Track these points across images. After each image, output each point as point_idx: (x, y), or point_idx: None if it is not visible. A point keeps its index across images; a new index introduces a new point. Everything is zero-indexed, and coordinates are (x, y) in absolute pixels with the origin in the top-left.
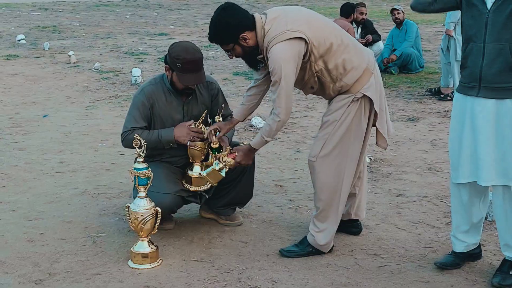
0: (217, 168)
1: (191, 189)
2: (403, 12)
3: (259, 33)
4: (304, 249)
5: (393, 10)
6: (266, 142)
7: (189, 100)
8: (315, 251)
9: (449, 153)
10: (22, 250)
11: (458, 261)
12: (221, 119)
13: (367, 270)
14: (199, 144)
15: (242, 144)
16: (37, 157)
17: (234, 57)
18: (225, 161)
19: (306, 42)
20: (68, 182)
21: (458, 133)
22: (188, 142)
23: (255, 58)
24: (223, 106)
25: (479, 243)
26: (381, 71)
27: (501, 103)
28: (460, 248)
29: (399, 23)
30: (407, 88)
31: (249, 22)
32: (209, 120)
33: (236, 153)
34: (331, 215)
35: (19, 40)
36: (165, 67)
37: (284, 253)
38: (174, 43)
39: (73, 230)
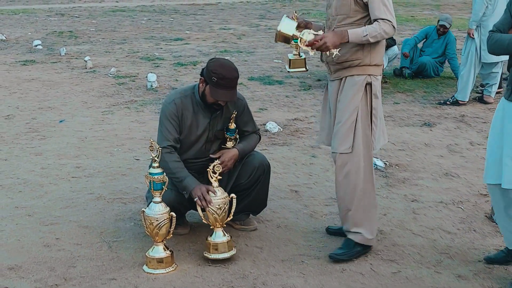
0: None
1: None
2: (450, 26)
3: None
4: (352, 250)
5: (442, 26)
6: (364, 39)
7: (216, 115)
8: (362, 250)
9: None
10: (38, 255)
11: (509, 258)
12: (234, 125)
13: (383, 276)
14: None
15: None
16: (53, 162)
17: None
18: (298, 49)
19: None
20: (84, 187)
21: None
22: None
23: None
24: (234, 112)
25: None
26: (395, 75)
27: None
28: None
29: (441, 34)
30: (423, 93)
31: None
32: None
33: (321, 39)
34: (370, 205)
35: (36, 46)
36: (200, 79)
37: (336, 257)
38: (214, 58)
39: (89, 235)
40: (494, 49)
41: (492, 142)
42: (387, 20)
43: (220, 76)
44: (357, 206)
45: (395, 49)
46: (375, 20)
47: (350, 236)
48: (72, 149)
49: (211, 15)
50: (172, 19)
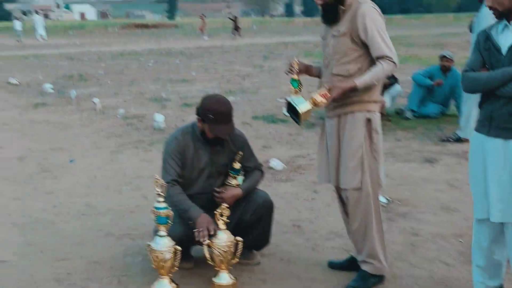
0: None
1: None
2: (452, 61)
3: None
4: (367, 281)
5: (443, 57)
6: (373, 84)
7: (216, 150)
8: (377, 281)
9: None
10: None
11: None
12: (238, 165)
13: None
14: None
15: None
16: (64, 201)
17: (321, 5)
18: (315, 101)
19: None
20: (94, 224)
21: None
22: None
23: (337, 9)
24: (239, 153)
25: (501, 286)
26: (397, 114)
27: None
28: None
29: (445, 70)
30: (424, 130)
31: None
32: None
33: (330, 90)
34: (381, 236)
35: (47, 89)
36: (198, 119)
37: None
38: (206, 95)
39: (99, 270)
40: (470, 88)
41: (475, 180)
42: (389, 58)
43: (216, 113)
44: (371, 237)
45: (397, 87)
46: (378, 58)
47: (364, 267)
48: (82, 188)
49: (216, 57)
50: (178, 61)
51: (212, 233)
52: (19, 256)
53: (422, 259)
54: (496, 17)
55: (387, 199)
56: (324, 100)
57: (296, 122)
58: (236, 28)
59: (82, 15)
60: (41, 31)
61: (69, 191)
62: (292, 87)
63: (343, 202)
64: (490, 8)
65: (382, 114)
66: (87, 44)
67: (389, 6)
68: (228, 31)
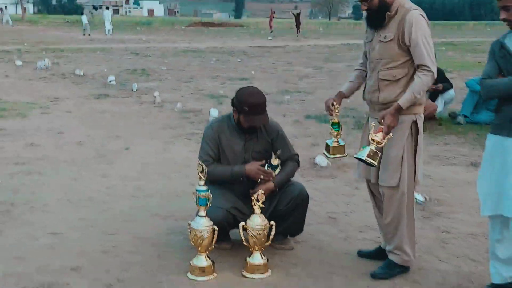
0: (372, 150)
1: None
2: None
3: None
4: (393, 270)
5: None
6: (416, 98)
7: (250, 138)
8: (402, 271)
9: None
10: (97, 259)
11: None
12: (277, 161)
13: None
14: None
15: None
16: (117, 183)
17: (366, 9)
18: (376, 140)
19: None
20: (142, 205)
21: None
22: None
23: (384, 14)
24: (279, 151)
25: None
26: (450, 118)
27: None
28: (496, 279)
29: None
30: (475, 136)
31: None
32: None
33: (384, 119)
34: (411, 231)
35: (110, 82)
36: (233, 110)
37: (379, 276)
38: (241, 88)
39: (142, 245)
40: (489, 94)
41: (488, 177)
42: (427, 68)
43: (250, 104)
44: (401, 231)
45: (451, 92)
46: (418, 66)
47: (391, 257)
48: (134, 173)
49: (275, 58)
50: (239, 60)
51: (267, 170)
52: (72, 229)
53: (450, 255)
54: (510, 28)
55: (424, 197)
56: (382, 135)
57: (372, 165)
58: (297, 25)
59: (151, 11)
60: (108, 26)
61: (122, 175)
62: (334, 131)
63: (374, 196)
64: (504, 20)
65: (434, 118)
66: (152, 40)
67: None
68: (293, 31)
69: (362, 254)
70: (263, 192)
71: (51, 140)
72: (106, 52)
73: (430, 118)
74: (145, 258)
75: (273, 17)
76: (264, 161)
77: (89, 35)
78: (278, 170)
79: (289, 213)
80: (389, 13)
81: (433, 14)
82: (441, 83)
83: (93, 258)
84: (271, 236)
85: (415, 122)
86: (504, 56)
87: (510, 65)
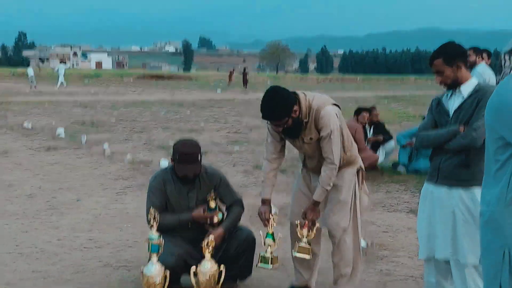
0: (301, 244)
1: None
2: None
3: (304, 104)
4: None
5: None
6: (327, 191)
7: (193, 188)
8: None
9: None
10: None
11: None
12: (213, 203)
13: None
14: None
15: (275, 213)
16: (68, 235)
17: (282, 129)
18: (304, 235)
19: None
20: (94, 256)
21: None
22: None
23: (300, 126)
24: (212, 193)
25: None
26: (391, 170)
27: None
28: None
29: None
30: (415, 183)
31: (294, 97)
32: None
33: (306, 215)
34: (359, 271)
35: (58, 134)
36: (171, 158)
37: None
38: (179, 139)
39: None
40: (422, 144)
41: (422, 222)
42: (331, 162)
43: (181, 154)
44: (350, 272)
45: (391, 143)
46: (325, 157)
47: None
48: (86, 224)
49: (227, 108)
50: (189, 112)
51: (209, 216)
52: (24, 281)
53: None
54: (447, 88)
55: (366, 243)
56: (307, 231)
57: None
58: (244, 81)
59: (99, 64)
60: (61, 78)
61: (73, 227)
62: (271, 241)
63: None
64: (440, 83)
65: (375, 168)
66: (102, 93)
67: (403, 66)
68: (241, 85)
69: None
70: (213, 238)
71: (1, 193)
72: (54, 105)
73: (372, 168)
74: None
75: (233, 73)
76: (205, 206)
77: (35, 87)
78: (217, 212)
79: (237, 257)
80: (305, 120)
81: (376, 68)
82: (381, 134)
83: None
84: (221, 280)
85: (359, 170)
86: (439, 112)
87: (444, 120)
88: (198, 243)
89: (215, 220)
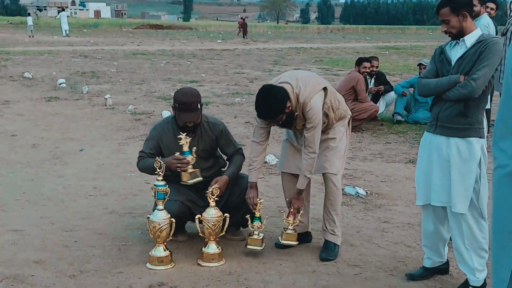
0: (287, 232)
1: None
2: None
3: (293, 98)
4: (334, 250)
5: (420, 65)
6: (308, 178)
7: (194, 137)
8: (338, 249)
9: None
10: (59, 252)
11: (426, 274)
12: (186, 147)
13: (345, 276)
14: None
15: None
16: (74, 183)
17: (277, 124)
18: (291, 223)
19: (325, 89)
20: (100, 203)
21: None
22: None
23: (292, 118)
24: (194, 148)
25: (447, 261)
26: (390, 121)
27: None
28: (427, 263)
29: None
30: (414, 135)
31: (287, 94)
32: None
33: (292, 204)
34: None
35: (60, 84)
36: (172, 107)
37: (327, 258)
38: (180, 88)
39: (102, 239)
40: (422, 91)
41: (420, 170)
42: (312, 150)
43: (180, 102)
44: (338, 213)
45: (391, 94)
46: (305, 145)
47: (330, 238)
48: (90, 173)
49: (227, 60)
50: (189, 62)
51: (180, 157)
52: (33, 226)
53: (389, 242)
54: (451, 38)
55: (366, 191)
56: (293, 218)
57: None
58: (245, 29)
59: (97, 13)
60: (65, 26)
61: (78, 175)
62: (260, 223)
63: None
64: (446, 32)
65: (376, 119)
66: (101, 43)
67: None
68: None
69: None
70: (219, 185)
71: (5, 143)
72: (54, 55)
73: (372, 119)
74: (106, 251)
75: (242, 24)
76: (178, 153)
77: (32, 36)
78: (191, 156)
79: (241, 204)
80: (297, 113)
81: (378, 19)
82: (382, 85)
83: (56, 252)
84: (225, 227)
85: (348, 122)
86: (442, 61)
87: (445, 69)
88: (202, 192)
89: (190, 165)
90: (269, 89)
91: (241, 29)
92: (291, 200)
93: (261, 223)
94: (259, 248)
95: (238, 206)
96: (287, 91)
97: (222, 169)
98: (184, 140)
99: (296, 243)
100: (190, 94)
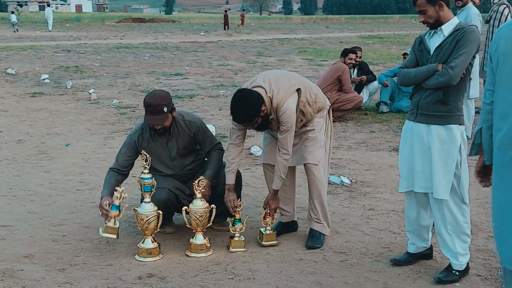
0: (267, 232)
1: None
2: None
3: (267, 101)
4: (320, 239)
5: (404, 54)
6: (283, 179)
7: (171, 138)
8: (324, 238)
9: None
10: (48, 247)
11: (410, 259)
12: (118, 201)
13: (332, 263)
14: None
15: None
16: (60, 178)
17: (254, 127)
18: (268, 223)
19: (299, 89)
20: (87, 197)
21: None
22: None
23: (267, 121)
24: (119, 191)
25: (430, 246)
26: (374, 111)
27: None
28: (411, 249)
29: None
30: (398, 123)
31: (261, 98)
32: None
33: (269, 205)
34: (326, 208)
35: (44, 79)
36: None
37: (314, 246)
38: (152, 90)
39: (90, 233)
40: (403, 81)
41: (403, 158)
42: (286, 152)
43: (146, 104)
44: (324, 203)
45: (375, 84)
46: (279, 149)
47: (316, 227)
48: (76, 168)
49: (211, 52)
50: (173, 55)
51: (106, 208)
52: (21, 222)
53: (374, 229)
54: (429, 28)
55: (350, 180)
56: (271, 218)
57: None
58: (226, 22)
59: (78, 7)
60: (50, 22)
61: (64, 170)
62: (241, 225)
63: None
64: (423, 22)
65: (360, 109)
66: (83, 37)
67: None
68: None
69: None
70: (203, 178)
71: None
72: (37, 50)
73: (356, 109)
74: (94, 244)
75: (244, 15)
76: (106, 201)
77: (17, 30)
78: (117, 212)
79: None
80: (271, 117)
81: (361, 8)
82: (365, 75)
83: (45, 246)
84: (212, 218)
85: (328, 112)
86: (421, 50)
87: (425, 58)
88: (188, 183)
89: (111, 219)
90: (244, 93)
91: (226, 22)
92: (267, 201)
93: (242, 224)
94: (242, 249)
95: (222, 197)
96: (261, 95)
97: (205, 159)
98: (117, 194)
99: (277, 241)
100: (157, 97)
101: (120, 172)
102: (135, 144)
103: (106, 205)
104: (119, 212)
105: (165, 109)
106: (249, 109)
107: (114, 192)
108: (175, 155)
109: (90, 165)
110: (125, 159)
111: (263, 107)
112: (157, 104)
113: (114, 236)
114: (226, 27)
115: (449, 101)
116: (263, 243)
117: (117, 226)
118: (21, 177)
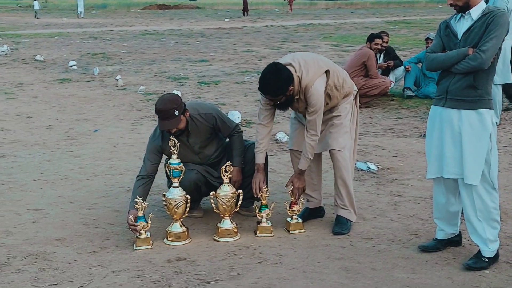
0: (293, 221)
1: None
2: None
3: (296, 82)
4: (346, 225)
5: (427, 39)
6: (310, 159)
7: (191, 134)
8: (351, 224)
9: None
10: (79, 230)
11: (439, 245)
12: (141, 213)
13: (359, 249)
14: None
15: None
16: (90, 163)
17: (276, 103)
18: (295, 212)
19: (327, 71)
20: (116, 182)
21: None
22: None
23: (291, 102)
24: (141, 203)
25: (459, 232)
26: (401, 96)
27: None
28: (440, 235)
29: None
30: (425, 109)
31: (292, 77)
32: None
33: (293, 184)
34: (352, 194)
35: (71, 66)
36: None
37: (341, 232)
38: (163, 94)
39: (120, 217)
40: (431, 66)
41: (431, 144)
42: (314, 133)
43: (156, 110)
44: (350, 189)
45: (401, 69)
46: (307, 129)
47: (342, 213)
48: (105, 153)
49: (236, 39)
50: (198, 42)
51: (133, 223)
52: (52, 205)
53: (401, 216)
54: (457, 11)
55: (377, 166)
56: (298, 202)
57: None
58: (245, 8)
59: None
60: (80, 8)
61: (94, 155)
62: (268, 211)
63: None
64: (451, 5)
65: (386, 94)
66: (110, 24)
67: None
68: (252, 13)
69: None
70: (234, 179)
71: (21, 125)
72: (64, 37)
73: (383, 94)
74: (124, 228)
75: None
76: (131, 217)
77: (38, 18)
78: (143, 223)
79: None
80: (297, 97)
81: None
82: (392, 60)
83: (76, 230)
84: (239, 203)
85: (355, 98)
86: (448, 35)
87: (452, 43)
88: (215, 167)
89: (141, 230)
90: (278, 67)
91: (245, 7)
92: (292, 179)
93: (269, 210)
94: (269, 235)
95: (251, 176)
96: (292, 74)
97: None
98: (138, 206)
99: (304, 230)
100: (167, 101)
101: (148, 177)
102: (160, 148)
103: (131, 220)
104: (146, 222)
105: (176, 113)
106: (279, 84)
107: (135, 204)
108: (198, 149)
109: (119, 151)
110: (152, 163)
111: (291, 87)
112: (167, 109)
113: (149, 247)
114: (246, 13)
115: (479, 85)
116: (290, 232)
117: (148, 236)
118: (51, 162)
